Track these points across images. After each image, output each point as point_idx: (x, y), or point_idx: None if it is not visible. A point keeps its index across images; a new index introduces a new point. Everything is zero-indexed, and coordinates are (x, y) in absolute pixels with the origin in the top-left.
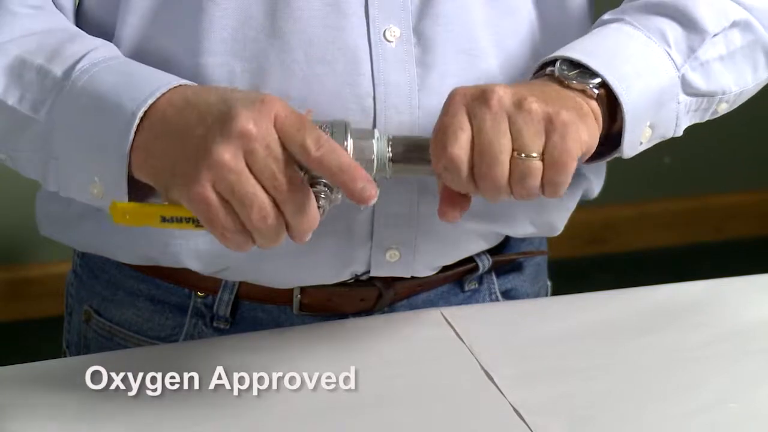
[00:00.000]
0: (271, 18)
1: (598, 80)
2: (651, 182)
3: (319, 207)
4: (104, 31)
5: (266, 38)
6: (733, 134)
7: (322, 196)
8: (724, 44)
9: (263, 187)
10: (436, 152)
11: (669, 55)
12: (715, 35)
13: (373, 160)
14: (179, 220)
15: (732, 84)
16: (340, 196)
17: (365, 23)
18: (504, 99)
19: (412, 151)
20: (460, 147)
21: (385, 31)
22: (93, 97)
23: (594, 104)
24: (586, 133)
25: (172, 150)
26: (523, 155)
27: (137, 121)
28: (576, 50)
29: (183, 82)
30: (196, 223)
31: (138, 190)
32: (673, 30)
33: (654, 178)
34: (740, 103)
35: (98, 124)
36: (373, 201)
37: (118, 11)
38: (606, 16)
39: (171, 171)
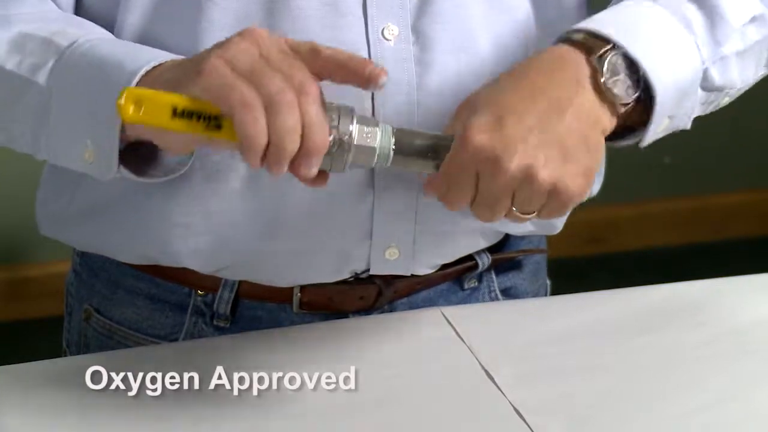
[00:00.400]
0: (269, 17)
1: (637, 94)
2: (651, 182)
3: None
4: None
5: None
6: (732, 134)
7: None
8: (741, 39)
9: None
10: (437, 185)
11: (697, 46)
12: (735, 30)
13: (375, 148)
14: (190, 116)
15: (738, 79)
16: (342, 158)
17: (363, 22)
18: (515, 173)
19: (414, 146)
20: (463, 197)
21: (383, 29)
22: (93, 59)
23: (615, 118)
24: (590, 171)
25: (180, 66)
26: (518, 212)
27: (137, 79)
28: (610, 27)
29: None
30: (207, 122)
31: (129, 164)
32: (700, 19)
33: (654, 177)
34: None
35: (95, 84)
36: (384, 79)
37: (117, 11)
38: None
39: (183, 73)
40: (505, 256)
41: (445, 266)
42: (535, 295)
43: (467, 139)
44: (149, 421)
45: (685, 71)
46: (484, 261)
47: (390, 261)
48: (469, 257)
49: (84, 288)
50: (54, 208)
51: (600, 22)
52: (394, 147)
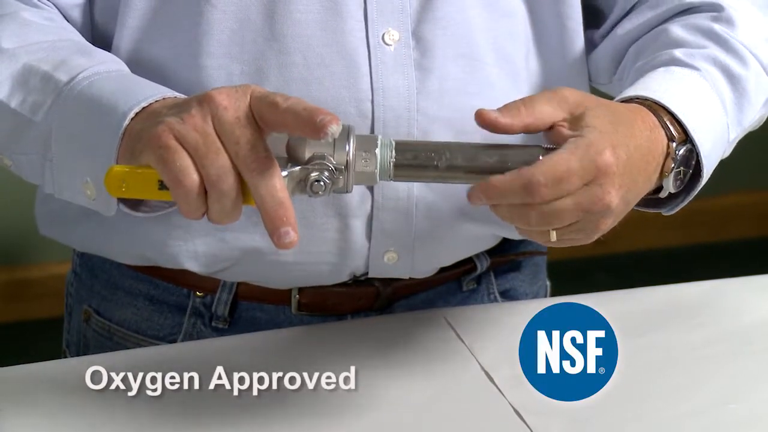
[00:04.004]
0: (269, 21)
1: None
2: None
3: (315, 185)
4: (103, 35)
5: (264, 41)
6: None
7: (325, 175)
8: (758, 117)
9: (227, 153)
10: (526, 174)
11: (728, 126)
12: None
13: (375, 173)
14: None
15: (747, 124)
16: (343, 179)
17: (364, 26)
18: (610, 202)
19: (416, 157)
20: (549, 193)
21: (383, 34)
22: (89, 100)
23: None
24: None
25: (152, 117)
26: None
27: (127, 121)
28: (690, 116)
29: (179, 95)
30: None
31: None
32: (731, 97)
33: None
34: None
35: (91, 124)
36: (334, 128)
37: (117, 14)
38: (679, 53)
39: (146, 129)
40: (503, 258)
41: (443, 269)
42: (535, 296)
43: (602, 148)
44: (149, 421)
45: (720, 152)
46: (483, 263)
47: (389, 265)
48: (468, 259)
49: (83, 289)
50: (54, 208)
51: (677, 103)
52: (394, 161)
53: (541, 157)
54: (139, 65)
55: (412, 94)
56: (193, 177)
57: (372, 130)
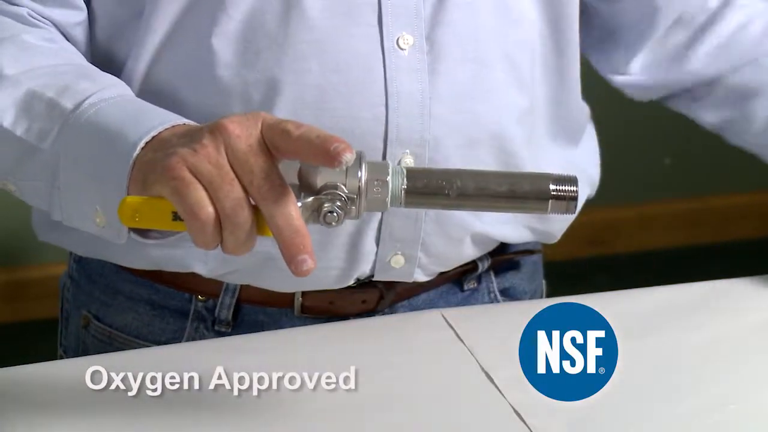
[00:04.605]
0: (283, 28)
1: None
2: (651, 183)
3: (329, 216)
4: (106, 53)
5: (279, 48)
6: None
7: (337, 205)
8: None
9: (241, 182)
10: None
11: None
12: None
13: (387, 201)
14: None
15: None
16: (355, 208)
17: (378, 31)
18: None
19: (426, 186)
20: None
21: (398, 39)
22: (97, 128)
23: None
24: None
25: (164, 146)
26: None
27: (137, 150)
28: None
29: (188, 121)
30: None
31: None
32: None
33: (654, 179)
34: None
35: (100, 153)
36: (348, 157)
37: (125, 33)
38: None
39: (158, 159)
40: (504, 257)
41: (445, 271)
42: (533, 294)
43: None
44: (149, 421)
45: None
46: (484, 263)
47: (395, 268)
48: (470, 260)
49: (81, 294)
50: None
51: None
52: (405, 187)
53: (551, 186)
54: (153, 83)
55: (425, 98)
56: (209, 210)
57: (385, 135)
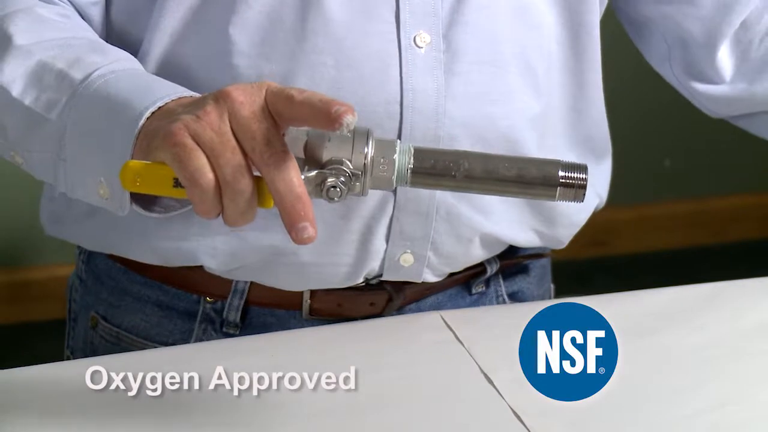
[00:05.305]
0: (301, 21)
1: None
2: (651, 185)
3: (332, 191)
4: (121, 35)
5: (296, 41)
6: (733, 137)
7: (341, 180)
8: None
9: (242, 148)
10: None
11: None
12: None
13: (393, 180)
14: None
15: None
16: (360, 185)
17: (395, 29)
18: None
19: (433, 166)
20: None
21: (415, 37)
22: (104, 98)
23: None
24: None
25: (168, 116)
26: None
27: (143, 120)
28: None
29: (195, 94)
30: None
31: (142, 199)
32: None
33: (654, 181)
34: None
35: (106, 122)
36: (349, 119)
37: (140, 17)
38: None
39: (161, 127)
40: (512, 260)
41: (454, 272)
42: (542, 298)
43: None
44: (149, 421)
45: None
46: (493, 266)
47: (404, 267)
48: (478, 263)
49: (89, 295)
50: (60, 207)
51: None
52: (411, 168)
53: (561, 172)
54: (168, 67)
55: (440, 97)
56: (209, 176)
57: (399, 132)
